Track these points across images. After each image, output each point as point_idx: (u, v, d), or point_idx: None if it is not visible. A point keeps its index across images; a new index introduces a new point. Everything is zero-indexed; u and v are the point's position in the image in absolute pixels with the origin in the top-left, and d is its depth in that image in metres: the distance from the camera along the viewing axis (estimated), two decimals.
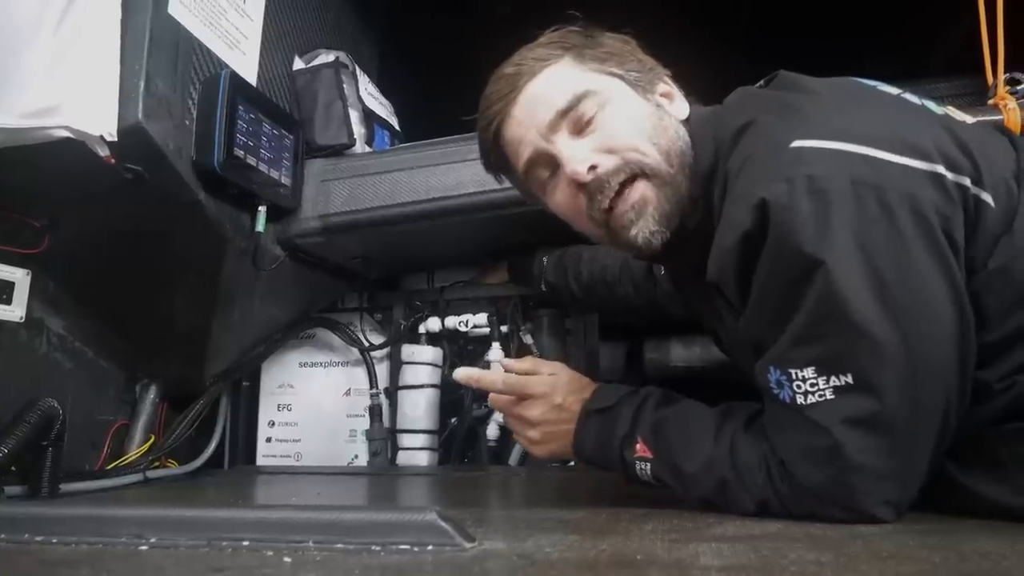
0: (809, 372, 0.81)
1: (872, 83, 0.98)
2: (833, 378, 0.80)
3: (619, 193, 0.96)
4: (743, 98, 1.01)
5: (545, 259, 1.65)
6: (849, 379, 0.79)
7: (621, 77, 1.01)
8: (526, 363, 1.13)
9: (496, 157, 1.09)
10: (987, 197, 0.83)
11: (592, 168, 0.96)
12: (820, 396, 0.81)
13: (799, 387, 0.82)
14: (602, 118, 0.98)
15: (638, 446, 0.97)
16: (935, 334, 0.80)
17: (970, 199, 0.82)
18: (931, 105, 0.96)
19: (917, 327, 0.79)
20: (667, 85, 1.05)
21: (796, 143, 0.83)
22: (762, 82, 1.02)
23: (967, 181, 0.82)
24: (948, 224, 0.80)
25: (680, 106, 1.04)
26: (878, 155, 0.80)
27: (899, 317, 0.78)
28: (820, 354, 0.81)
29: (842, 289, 0.78)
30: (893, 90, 0.97)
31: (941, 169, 0.81)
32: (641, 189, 0.96)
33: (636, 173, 0.96)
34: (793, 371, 0.82)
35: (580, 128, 0.98)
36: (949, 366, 0.80)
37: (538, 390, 1.08)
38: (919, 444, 0.81)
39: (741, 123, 0.92)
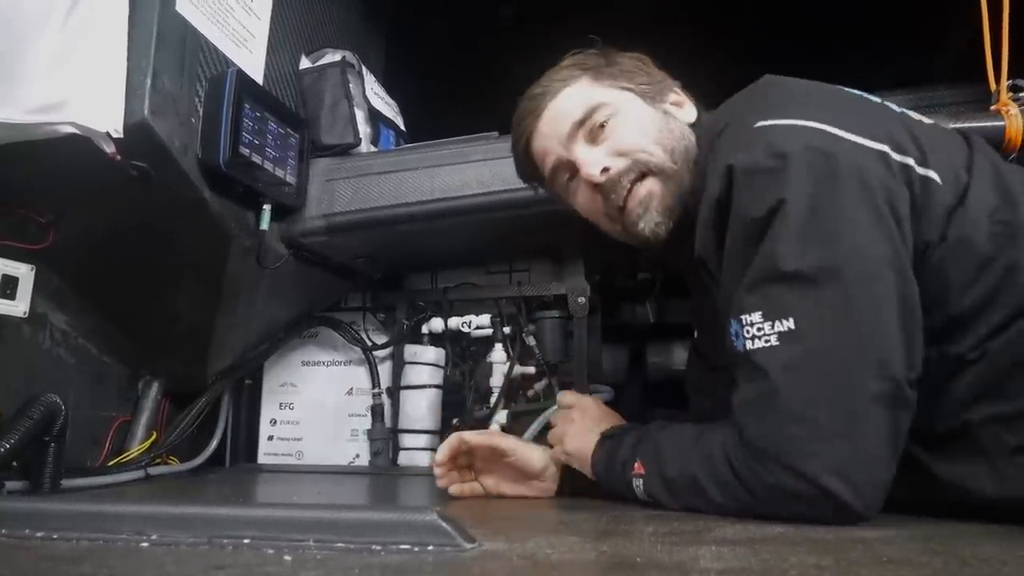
0: (756, 316, 0.86)
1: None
2: (777, 323, 0.84)
3: (630, 191, 1.08)
4: (728, 104, 1.09)
5: None
6: (791, 324, 0.83)
7: (631, 90, 1.12)
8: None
9: (528, 168, 1.22)
10: (933, 175, 0.89)
11: (605, 170, 1.08)
12: (765, 341, 0.84)
13: (747, 331, 0.86)
14: (613, 125, 1.09)
15: (636, 464, 1.01)
16: (875, 292, 0.83)
17: (915, 178, 0.88)
18: (890, 105, 1.04)
19: (857, 282, 0.83)
20: (677, 95, 1.16)
21: (760, 123, 0.91)
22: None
23: (911, 161, 0.89)
24: (891, 196, 0.86)
25: (689, 112, 1.15)
26: (831, 130, 0.88)
27: (840, 270, 0.83)
28: (765, 299, 0.85)
29: (792, 234, 0.83)
30: (856, 92, 1.05)
31: (886, 148, 0.88)
32: (648, 185, 1.08)
33: (644, 171, 1.08)
34: (744, 316, 0.87)
35: (595, 136, 1.10)
36: (888, 321, 0.82)
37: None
38: (864, 404, 0.80)
39: (723, 125, 1.01)
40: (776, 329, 0.83)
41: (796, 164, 0.85)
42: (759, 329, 0.85)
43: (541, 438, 1.36)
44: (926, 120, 1.05)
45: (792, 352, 0.82)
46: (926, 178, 0.89)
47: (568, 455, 1.16)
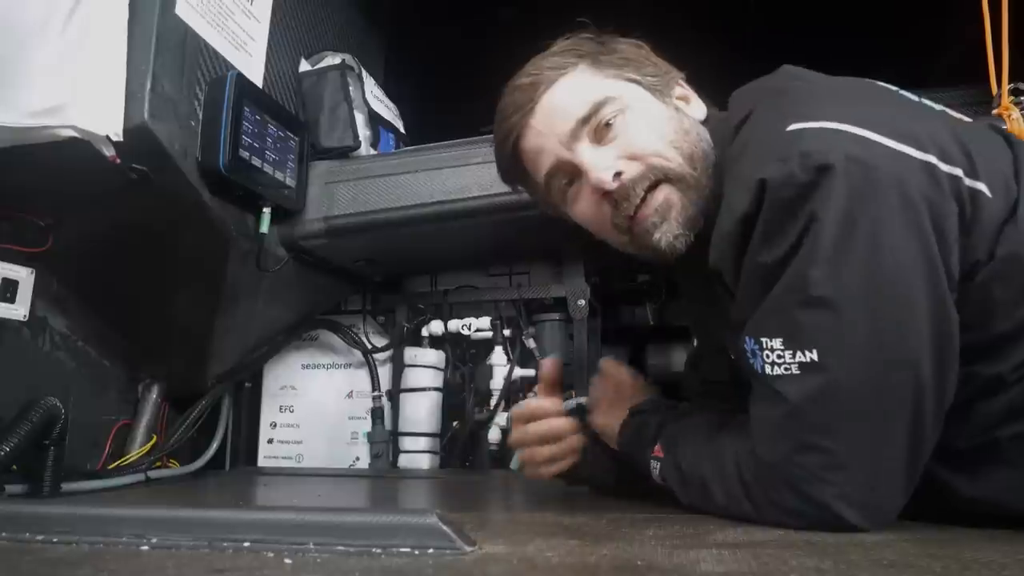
0: (777, 343, 0.80)
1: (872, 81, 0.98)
2: (799, 353, 0.79)
3: (644, 200, 0.96)
4: (743, 92, 1.00)
5: None
6: (815, 356, 0.78)
7: (638, 82, 1.01)
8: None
9: (514, 169, 1.09)
10: (983, 187, 0.81)
11: (617, 175, 0.96)
12: (786, 370, 0.80)
13: (767, 356, 0.81)
14: (623, 124, 0.97)
15: (656, 447, 1.00)
16: (906, 319, 0.77)
17: (963, 190, 0.80)
18: (929, 103, 0.96)
19: (889, 316, 0.77)
20: (683, 88, 1.06)
21: (792, 126, 0.82)
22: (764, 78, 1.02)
23: (960, 172, 0.80)
24: (937, 214, 0.78)
25: (697, 108, 1.05)
26: (872, 137, 0.79)
27: (871, 300, 0.77)
28: (789, 324, 0.80)
29: (823, 256, 0.77)
30: (891, 87, 0.96)
31: (933, 159, 0.80)
32: (665, 192, 0.96)
33: (660, 179, 0.96)
34: (764, 339, 0.81)
35: (601, 136, 0.98)
36: (920, 357, 0.77)
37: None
38: (886, 437, 0.78)
39: (741, 116, 0.92)
40: (798, 359, 0.79)
41: (834, 177, 0.77)
42: (779, 356, 0.80)
43: None
44: (965, 118, 0.96)
45: (815, 383, 0.78)
46: (975, 190, 0.80)
47: (599, 426, 1.14)
